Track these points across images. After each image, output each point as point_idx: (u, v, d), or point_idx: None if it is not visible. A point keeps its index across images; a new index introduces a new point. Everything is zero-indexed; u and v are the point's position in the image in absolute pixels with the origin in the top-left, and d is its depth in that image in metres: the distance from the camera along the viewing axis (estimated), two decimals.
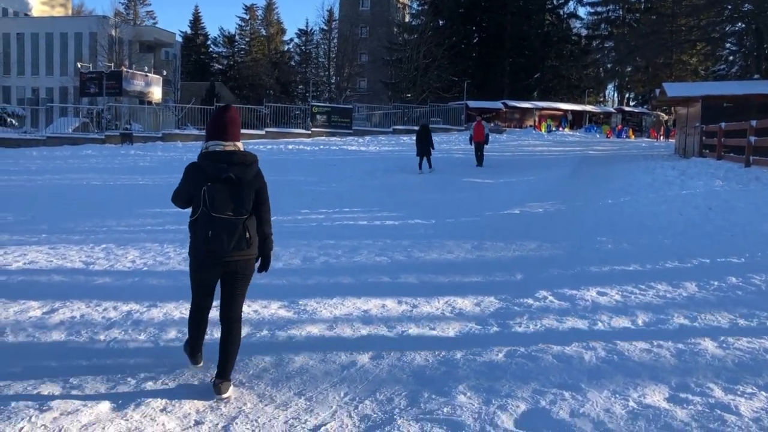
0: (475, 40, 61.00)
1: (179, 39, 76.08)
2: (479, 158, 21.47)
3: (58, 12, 63.94)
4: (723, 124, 17.64)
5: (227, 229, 3.65)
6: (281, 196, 13.79)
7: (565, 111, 52.27)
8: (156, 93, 37.83)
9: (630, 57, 51.79)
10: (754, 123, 14.64)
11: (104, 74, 35.22)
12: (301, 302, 5.58)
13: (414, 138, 22.58)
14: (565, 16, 64.94)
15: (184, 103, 44.95)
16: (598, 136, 46.00)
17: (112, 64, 38.77)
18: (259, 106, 41.13)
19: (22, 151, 27.52)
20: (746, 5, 34.11)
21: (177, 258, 7.28)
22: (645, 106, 64.31)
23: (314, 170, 20.03)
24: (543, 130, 46.00)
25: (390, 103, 48.23)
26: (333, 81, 58.69)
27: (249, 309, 5.35)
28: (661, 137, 43.06)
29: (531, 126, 48.17)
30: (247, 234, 3.72)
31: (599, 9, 64.83)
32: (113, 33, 50.48)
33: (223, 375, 3.70)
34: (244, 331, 4.65)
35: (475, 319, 5.18)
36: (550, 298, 5.72)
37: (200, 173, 3.71)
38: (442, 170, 20.47)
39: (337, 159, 23.88)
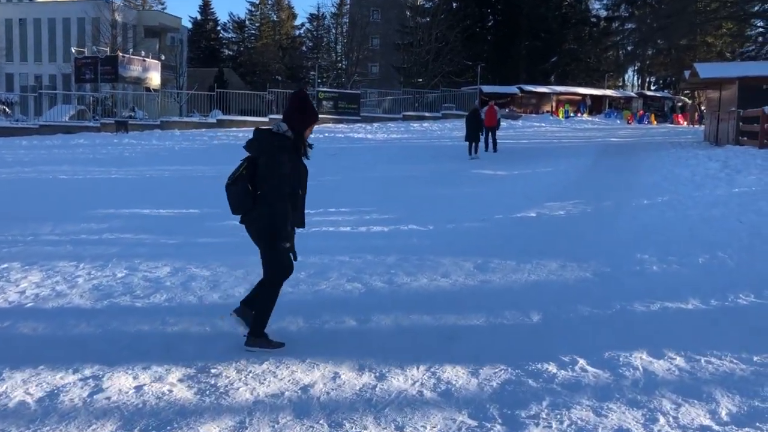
0: (489, 23, 58.58)
1: (188, 25, 74.66)
2: (493, 144, 20.73)
3: None
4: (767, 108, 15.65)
5: None
6: None
7: (584, 96, 49.89)
8: (155, 79, 36.23)
9: (651, 39, 49.52)
10: None
11: (99, 59, 33.63)
12: (214, 370, 3.81)
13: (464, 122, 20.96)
14: None
15: (189, 89, 43.41)
16: (618, 122, 43.75)
17: (108, 49, 37.22)
18: (263, 92, 39.34)
19: (11, 141, 26.00)
20: None
21: (85, 286, 5.54)
22: (666, 91, 61.78)
23: (311, 161, 18.25)
24: (561, 115, 43.84)
25: (401, 88, 46.23)
26: (342, 66, 56.73)
27: (135, 382, 3.62)
28: (695, 123, 40.30)
29: (548, 111, 45.96)
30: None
31: None
32: (116, 17, 49.00)
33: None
34: None
35: (469, 405, 3.39)
36: (582, 362, 3.90)
37: None
38: (452, 159, 18.66)
39: (340, 147, 22.07)
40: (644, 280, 5.66)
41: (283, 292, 5.42)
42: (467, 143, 19.25)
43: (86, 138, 26.90)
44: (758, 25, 42.19)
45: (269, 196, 3.97)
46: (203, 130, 31.00)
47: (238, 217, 4.16)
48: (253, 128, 4.29)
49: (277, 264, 4.11)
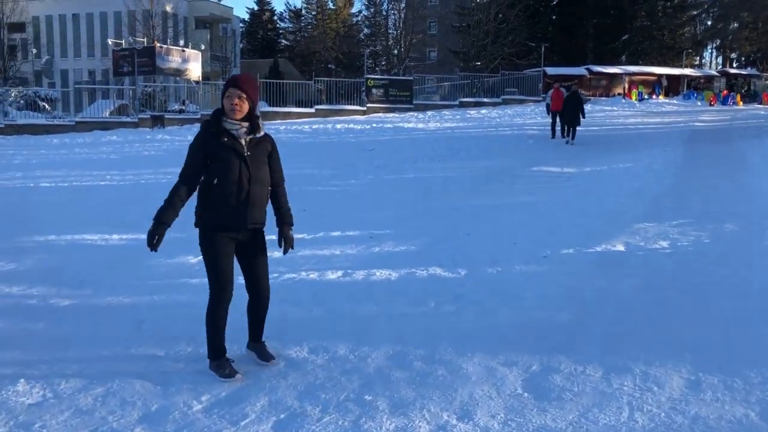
0: (553, 1, 54.58)
1: (245, 15, 73.18)
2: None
3: None
4: None
5: None
6: None
7: (660, 76, 45.61)
8: (195, 70, 34.23)
9: (734, 12, 45.09)
10: None
11: (136, 51, 31.93)
12: None
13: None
14: None
15: None
16: (699, 103, 39.46)
17: (145, 40, 35.65)
18: (309, 81, 36.88)
19: (43, 139, 24.43)
20: None
21: None
22: (752, 68, 56.32)
23: (342, 158, 15.58)
24: (634, 98, 39.87)
25: (458, 73, 42.99)
26: (395, 52, 53.81)
27: None
28: None
29: (620, 94, 42.07)
30: None
31: None
32: (167, 8, 47.71)
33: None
34: None
35: None
36: None
37: None
38: (509, 153, 15.74)
39: (380, 141, 19.31)
40: None
41: None
42: (567, 127, 17.94)
43: (120, 134, 25.13)
44: None
45: None
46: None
47: None
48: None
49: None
